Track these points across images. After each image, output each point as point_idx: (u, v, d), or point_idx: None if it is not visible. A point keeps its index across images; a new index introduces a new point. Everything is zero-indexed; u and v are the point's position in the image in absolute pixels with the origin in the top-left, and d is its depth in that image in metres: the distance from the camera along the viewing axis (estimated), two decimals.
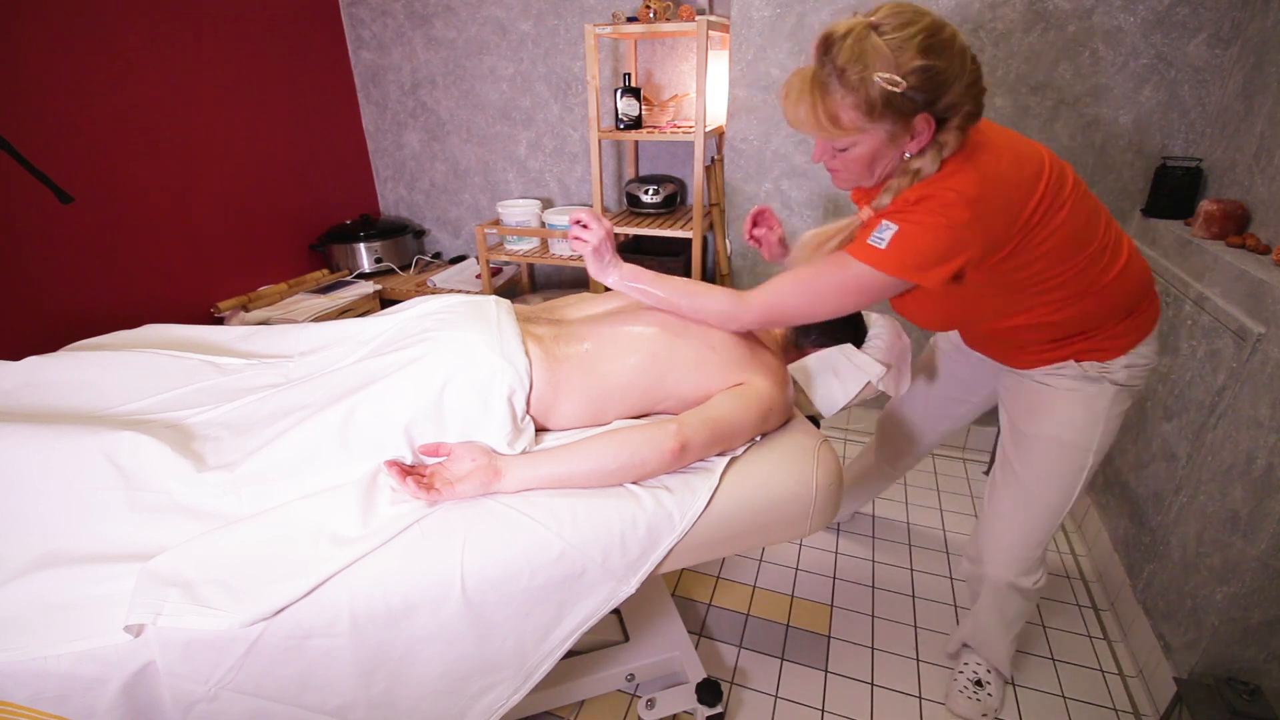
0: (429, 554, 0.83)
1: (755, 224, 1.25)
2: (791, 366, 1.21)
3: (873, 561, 1.72)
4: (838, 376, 1.19)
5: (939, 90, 0.83)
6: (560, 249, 2.27)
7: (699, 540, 0.95)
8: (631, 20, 1.94)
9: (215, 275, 2.09)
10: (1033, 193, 0.89)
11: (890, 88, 0.81)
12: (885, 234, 0.90)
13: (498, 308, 1.10)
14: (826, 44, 0.84)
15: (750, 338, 1.11)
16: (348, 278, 2.39)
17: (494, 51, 2.34)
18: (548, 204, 2.51)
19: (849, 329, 1.27)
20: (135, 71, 1.78)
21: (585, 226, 1.04)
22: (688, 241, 2.22)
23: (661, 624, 1.38)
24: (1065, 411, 1.08)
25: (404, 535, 0.84)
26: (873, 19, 0.83)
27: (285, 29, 2.23)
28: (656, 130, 2.02)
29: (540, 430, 1.04)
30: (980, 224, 0.88)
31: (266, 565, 0.78)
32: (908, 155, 0.91)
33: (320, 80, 2.40)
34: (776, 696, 1.34)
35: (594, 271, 1.06)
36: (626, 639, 1.36)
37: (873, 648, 1.46)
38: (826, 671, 1.40)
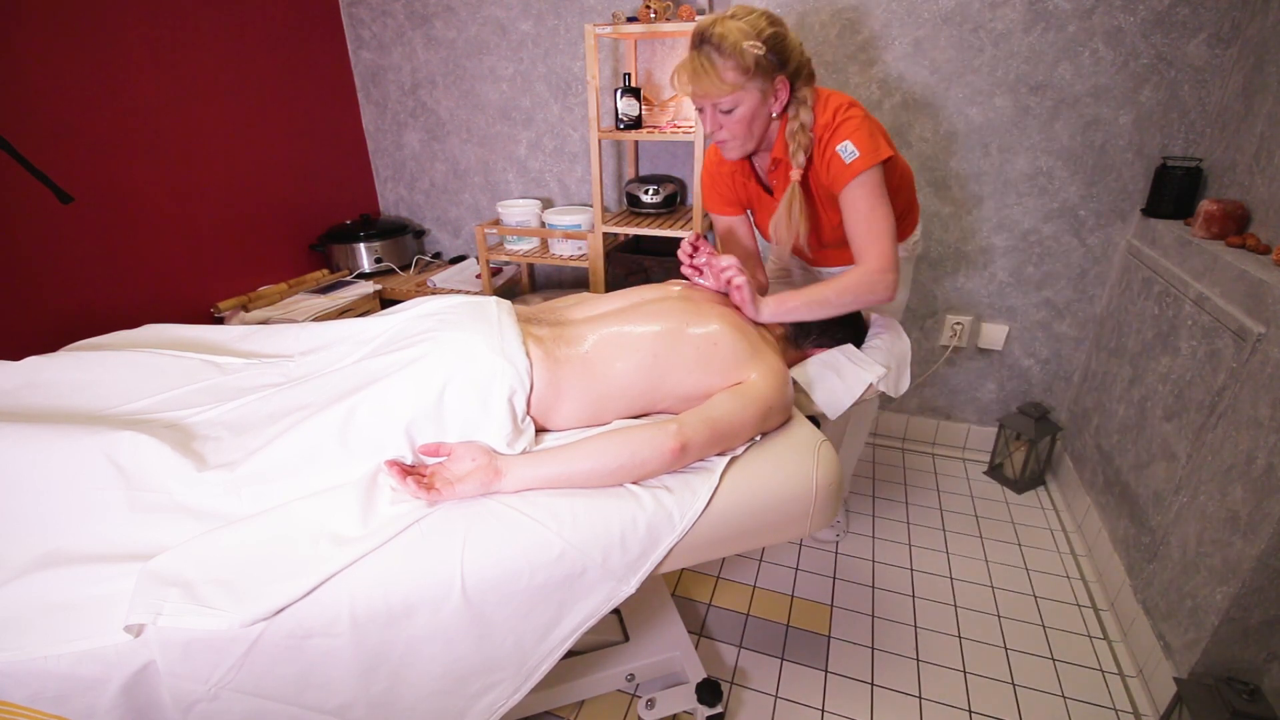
0: (429, 554, 0.83)
1: (695, 251, 1.26)
2: (793, 369, 1.21)
3: (873, 561, 1.72)
4: (840, 377, 1.19)
5: (787, 53, 1.12)
6: (560, 249, 2.27)
7: (699, 540, 0.95)
8: (631, 20, 1.94)
9: (215, 275, 2.09)
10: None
11: (755, 50, 1.07)
12: (847, 150, 1.14)
13: (498, 308, 1.10)
14: (701, 34, 1.10)
15: (754, 334, 1.11)
16: (348, 278, 2.39)
17: (494, 51, 2.34)
18: (548, 204, 2.51)
19: (849, 329, 1.27)
20: (135, 72, 1.78)
21: (699, 271, 1.24)
22: None
23: (661, 624, 1.38)
24: None
25: (404, 535, 0.84)
26: (725, 14, 1.10)
27: (285, 29, 2.23)
28: (656, 130, 2.02)
29: (540, 430, 1.04)
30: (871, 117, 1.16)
31: (266, 565, 0.78)
32: (775, 115, 1.18)
33: (320, 80, 2.40)
34: (776, 696, 1.34)
35: (747, 312, 1.18)
36: (626, 639, 1.36)
37: (873, 648, 1.46)
38: (826, 671, 1.40)
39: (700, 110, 1.16)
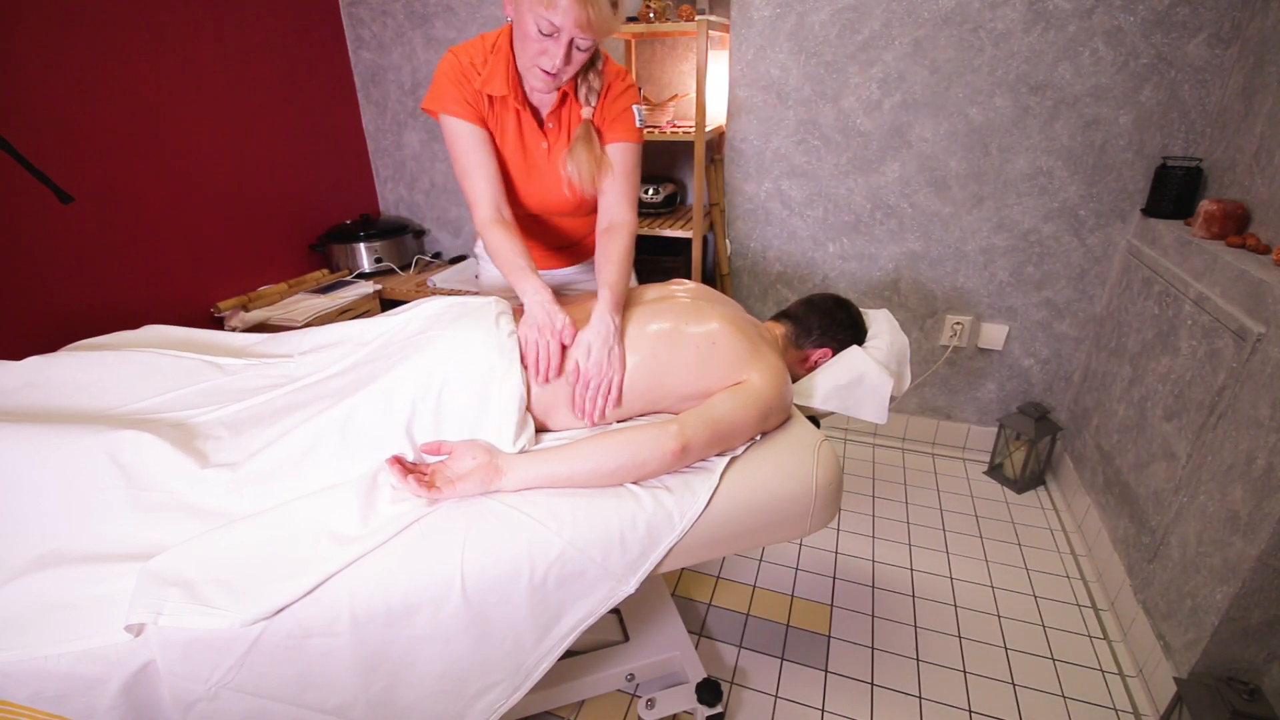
0: (429, 554, 0.83)
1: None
2: (817, 384, 1.20)
3: (873, 561, 1.72)
4: (868, 384, 1.18)
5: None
6: None
7: (699, 540, 0.95)
8: (631, 20, 1.94)
9: (215, 275, 2.08)
10: None
11: None
12: (639, 113, 1.25)
13: (498, 308, 1.10)
14: None
15: (754, 333, 1.10)
16: (348, 278, 2.39)
17: None
18: None
19: (849, 329, 1.27)
20: (135, 71, 1.78)
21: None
22: (688, 241, 2.22)
23: (661, 624, 1.38)
24: None
25: (404, 535, 0.84)
26: None
27: (285, 29, 2.23)
28: (656, 130, 2.02)
29: (540, 430, 1.04)
30: None
31: (267, 565, 0.78)
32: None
33: (320, 80, 2.40)
34: (776, 696, 1.34)
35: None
36: (626, 639, 1.36)
37: (873, 648, 1.46)
38: (826, 671, 1.40)
39: (549, 36, 1.03)
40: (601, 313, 1.04)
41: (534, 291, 1.06)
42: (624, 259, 1.17)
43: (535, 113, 1.23)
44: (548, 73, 1.08)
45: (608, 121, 1.23)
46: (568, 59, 1.07)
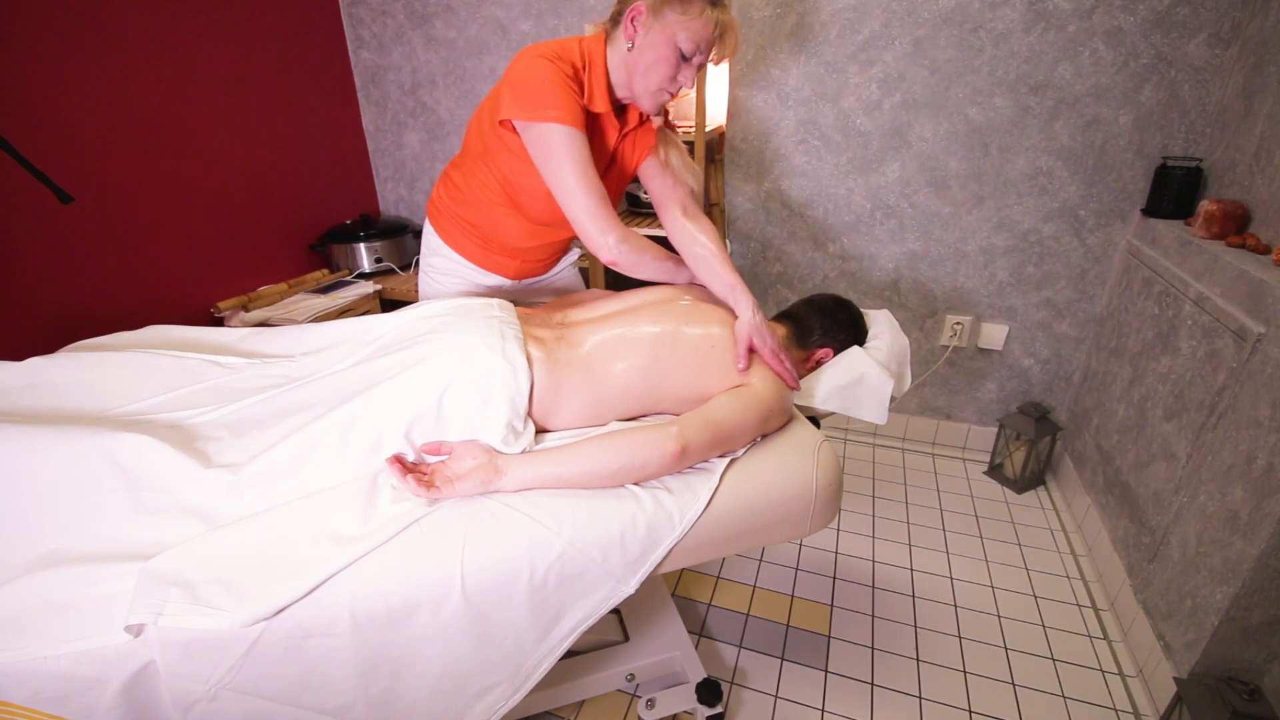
0: (429, 554, 0.83)
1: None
2: (817, 384, 1.20)
3: (873, 561, 1.72)
4: (869, 384, 1.18)
5: None
6: None
7: (699, 540, 0.95)
8: None
9: (215, 275, 2.08)
10: None
11: None
12: None
13: (499, 309, 1.10)
14: None
15: None
16: (348, 278, 2.39)
17: (494, 51, 2.34)
18: None
19: (850, 329, 1.27)
20: (135, 72, 1.78)
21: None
22: None
23: (661, 624, 1.38)
24: None
25: (404, 535, 0.84)
26: None
27: (285, 29, 2.23)
28: None
29: (540, 431, 1.04)
30: None
31: (267, 565, 0.78)
32: None
33: (320, 80, 2.40)
34: (776, 696, 1.34)
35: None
36: (626, 639, 1.36)
37: (873, 648, 1.46)
38: (826, 671, 1.40)
39: (688, 60, 1.10)
40: (745, 297, 1.12)
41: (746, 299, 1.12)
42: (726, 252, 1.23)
43: (618, 131, 1.24)
44: (674, 94, 1.15)
45: (661, 134, 1.29)
46: (690, 79, 1.13)
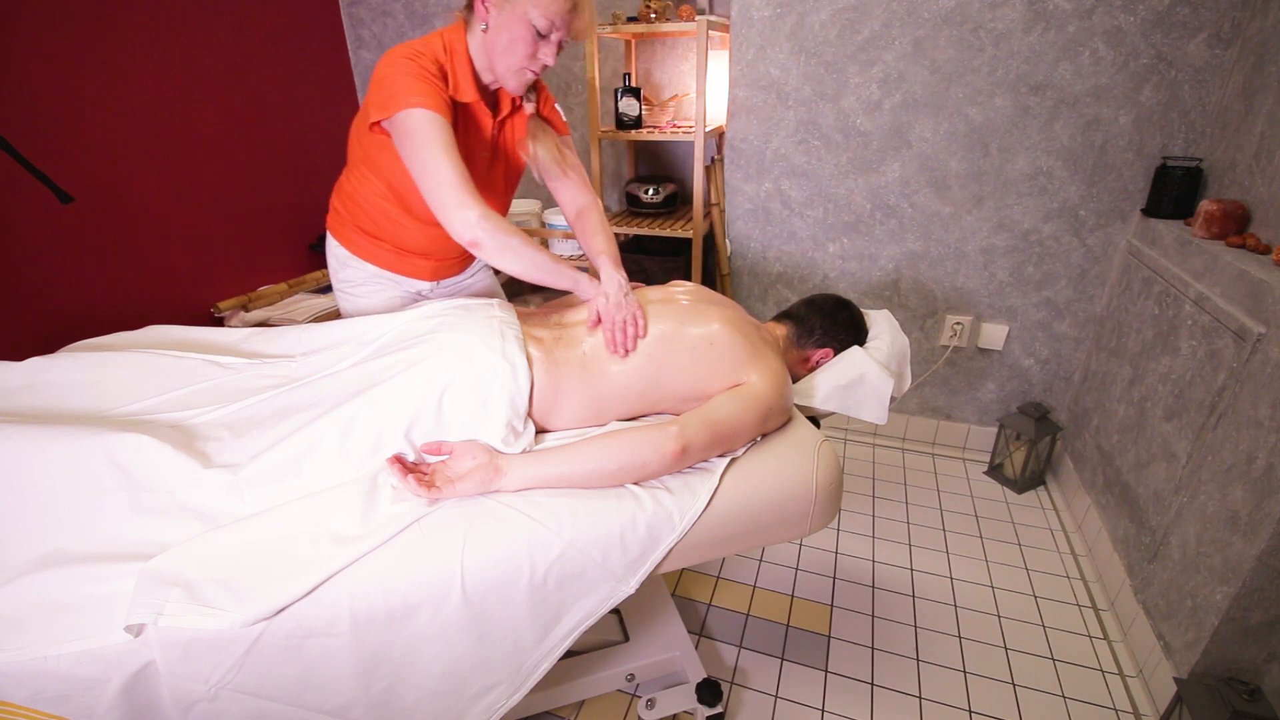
0: (429, 554, 0.83)
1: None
2: (817, 384, 1.21)
3: (873, 561, 1.72)
4: (869, 384, 1.18)
5: None
6: (560, 249, 2.27)
7: (699, 540, 0.95)
8: (631, 20, 1.94)
9: (215, 275, 2.09)
10: None
11: None
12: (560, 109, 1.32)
13: (499, 310, 1.10)
14: None
15: (754, 335, 1.10)
16: None
17: None
18: (548, 204, 2.51)
19: (851, 329, 1.27)
20: (135, 71, 1.78)
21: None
22: (688, 241, 2.22)
23: (661, 624, 1.38)
24: None
25: (404, 535, 0.84)
26: None
27: (285, 29, 2.23)
28: (656, 130, 2.03)
29: (540, 431, 1.04)
30: None
31: (267, 565, 0.78)
32: None
33: (320, 80, 2.40)
34: (776, 696, 1.34)
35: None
36: (626, 639, 1.36)
37: (873, 648, 1.46)
38: (826, 671, 1.40)
39: (545, 37, 1.09)
40: (609, 271, 1.13)
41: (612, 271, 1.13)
42: (608, 229, 1.27)
43: (491, 119, 1.23)
44: (536, 73, 1.14)
45: (549, 117, 1.30)
46: (551, 56, 1.13)
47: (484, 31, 1.11)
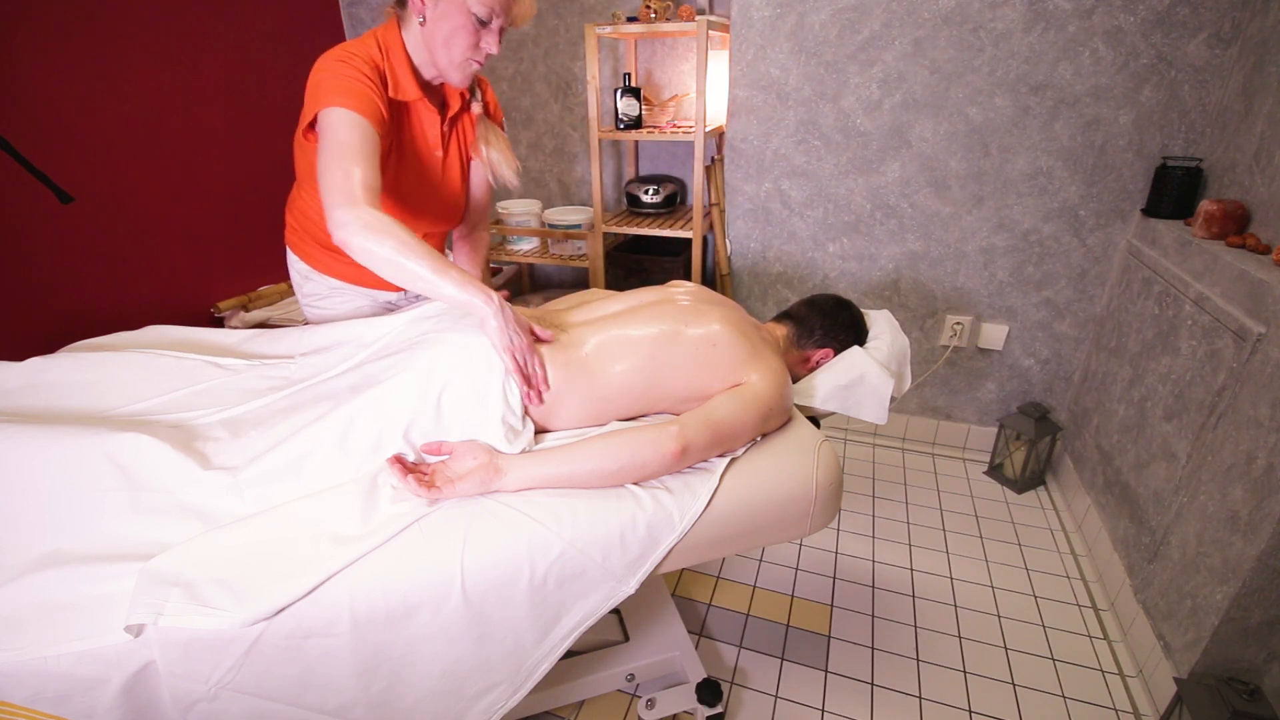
0: (429, 554, 0.83)
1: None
2: (817, 384, 1.21)
3: (873, 561, 1.72)
4: (869, 384, 1.18)
5: None
6: (560, 249, 2.27)
7: (699, 540, 0.95)
8: (631, 20, 1.94)
9: (215, 275, 2.09)
10: None
11: None
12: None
13: None
14: None
15: (754, 335, 1.10)
16: None
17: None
18: (548, 204, 2.51)
19: (851, 329, 1.27)
20: (135, 71, 1.78)
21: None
22: (688, 241, 2.22)
23: (661, 624, 1.38)
24: None
25: (404, 535, 0.84)
26: None
27: (285, 29, 2.23)
28: (656, 130, 2.03)
29: (540, 431, 1.04)
30: None
31: (267, 565, 0.78)
32: None
33: None
34: (776, 696, 1.34)
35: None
36: (626, 639, 1.36)
37: (873, 648, 1.46)
38: (826, 671, 1.40)
39: (485, 25, 1.06)
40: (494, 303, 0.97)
41: (481, 291, 0.95)
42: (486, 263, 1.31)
43: (438, 116, 1.19)
44: (480, 63, 1.11)
45: (495, 117, 1.29)
46: (494, 45, 1.09)
47: (421, 25, 1.07)
